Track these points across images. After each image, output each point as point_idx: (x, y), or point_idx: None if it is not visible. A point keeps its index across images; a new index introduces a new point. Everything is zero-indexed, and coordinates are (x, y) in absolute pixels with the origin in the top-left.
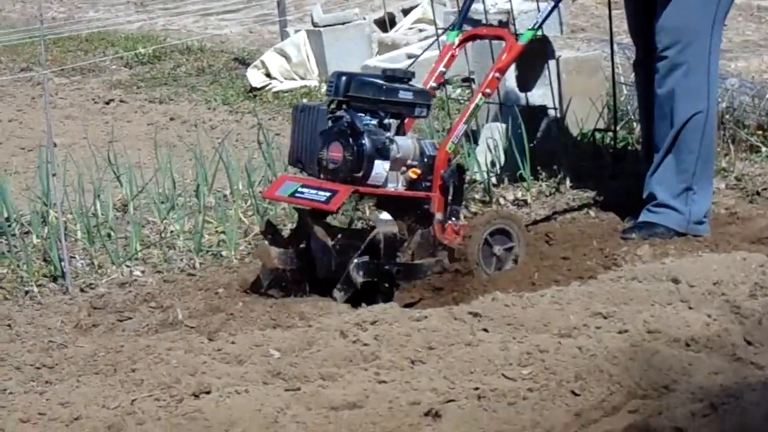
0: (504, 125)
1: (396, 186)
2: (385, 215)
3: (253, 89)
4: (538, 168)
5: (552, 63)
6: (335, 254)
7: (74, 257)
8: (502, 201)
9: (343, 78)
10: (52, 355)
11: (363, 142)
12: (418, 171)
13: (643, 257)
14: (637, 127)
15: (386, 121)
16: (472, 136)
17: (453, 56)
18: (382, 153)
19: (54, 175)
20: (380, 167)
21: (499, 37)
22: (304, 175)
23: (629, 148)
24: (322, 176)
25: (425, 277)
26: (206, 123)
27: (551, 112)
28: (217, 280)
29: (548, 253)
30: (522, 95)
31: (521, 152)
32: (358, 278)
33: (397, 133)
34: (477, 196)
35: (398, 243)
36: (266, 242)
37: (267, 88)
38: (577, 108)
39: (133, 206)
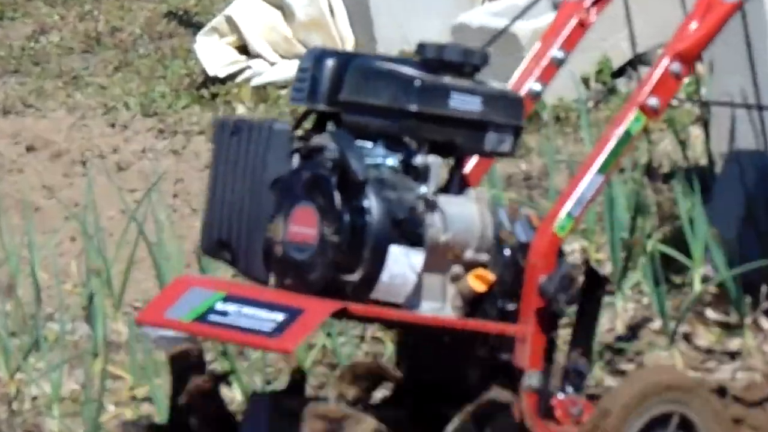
0: None
1: (439, 306)
2: None
3: (209, 80)
4: None
5: None
6: None
7: None
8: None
9: (329, 63)
10: None
11: (365, 204)
12: (490, 275)
13: None
14: None
15: (419, 159)
16: (699, 183)
17: (582, 26)
18: (409, 231)
19: None
20: (403, 262)
21: None
22: (234, 276)
23: None
24: (273, 278)
25: None
26: (107, 156)
27: None
28: None
29: None
30: None
31: None
32: None
33: (445, 190)
34: (714, 314)
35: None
36: None
37: (241, 75)
38: None
39: None
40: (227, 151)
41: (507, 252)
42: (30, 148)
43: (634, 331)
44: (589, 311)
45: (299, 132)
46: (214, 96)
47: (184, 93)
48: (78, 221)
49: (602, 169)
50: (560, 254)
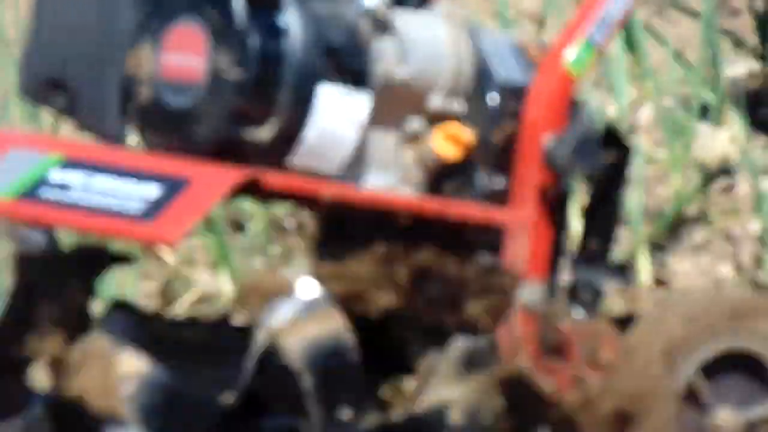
0: None
1: (391, 179)
2: (304, 286)
3: None
4: None
5: None
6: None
7: None
8: None
9: None
10: None
11: (283, 21)
12: (467, 134)
13: None
14: None
15: None
16: None
17: None
18: (348, 64)
19: None
20: (338, 111)
21: None
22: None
23: None
24: (137, 135)
25: None
26: None
27: None
28: None
29: None
30: None
31: None
32: None
33: (402, 2)
34: None
35: (357, 368)
36: None
37: None
38: None
39: None
40: None
41: (494, 98)
42: None
43: None
44: (608, 194)
45: None
46: None
47: None
48: None
49: None
50: (574, 104)
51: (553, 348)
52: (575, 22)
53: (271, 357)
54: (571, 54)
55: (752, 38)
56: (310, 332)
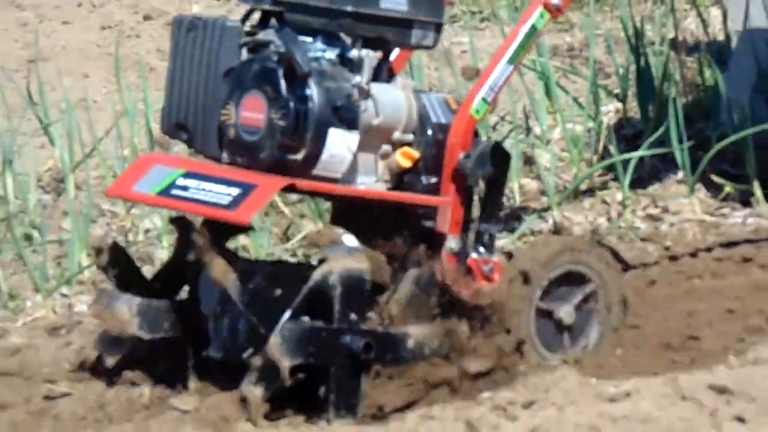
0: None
1: (372, 181)
2: (346, 239)
3: None
4: None
5: None
6: (247, 311)
7: None
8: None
9: None
10: None
11: (308, 92)
12: (415, 154)
13: None
14: None
15: (354, 53)
16: (717, 56)
17: None
18: (346, 116)
19: None
20: (340, 143)
21: None
22: (191, 155)
23: None
24: (226, 157)
25: (419, 361)
26: None
27: None
28: None
29: None
30: None
31: None
32: (287, 360)
33: (376, 79)
34: (728, 168)
35: (367, 292)
36: (109, 287)
37: None
38: None
39: (75, 183)
40: (184, 45)
41: (429, 132)
42: (147, 17)
43: (659, 181)
44: (497, 183)
45: (246, 27)
46: None
47: None
48: None
49: (512, 60)
50: (476, 134)
51: (465, 272)
52: (476, 87)
53: (323, 276)
54: (474, 105)
55: (618, 89)
56: (347, 264)
